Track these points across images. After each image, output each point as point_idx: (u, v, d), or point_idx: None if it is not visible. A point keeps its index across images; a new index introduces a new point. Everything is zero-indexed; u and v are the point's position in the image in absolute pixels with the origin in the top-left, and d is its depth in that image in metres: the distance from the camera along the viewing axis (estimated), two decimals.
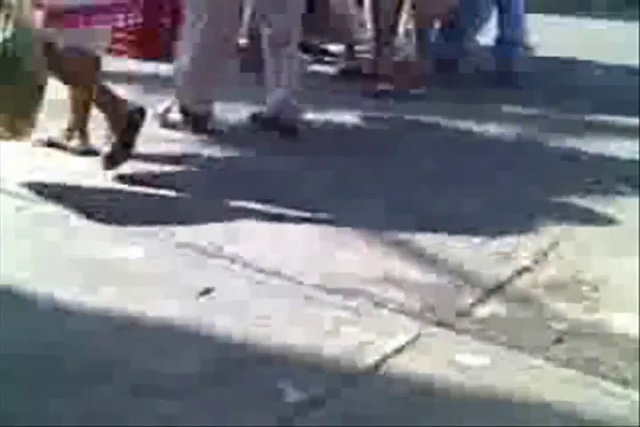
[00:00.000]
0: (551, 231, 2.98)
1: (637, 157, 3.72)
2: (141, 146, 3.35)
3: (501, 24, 5.10)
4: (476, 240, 2.89)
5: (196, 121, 3.80)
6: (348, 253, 2.78)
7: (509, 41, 5.05)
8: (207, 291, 2.46)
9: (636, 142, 3.88)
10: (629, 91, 4.83)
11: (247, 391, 2.04)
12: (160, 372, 2.09)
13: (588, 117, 4.38)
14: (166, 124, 3.82)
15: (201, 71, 3.76)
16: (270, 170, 3.45)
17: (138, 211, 3.01)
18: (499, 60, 5.08)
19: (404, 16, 5.08)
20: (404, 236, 2.91)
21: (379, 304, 2.46)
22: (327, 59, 5.48)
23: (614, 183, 3.43)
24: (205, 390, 2.03)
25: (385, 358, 2.19)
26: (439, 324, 2.38)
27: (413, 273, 2.66)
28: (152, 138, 3.55)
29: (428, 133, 4.08)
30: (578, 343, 2.32)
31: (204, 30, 3.68)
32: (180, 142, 3.72)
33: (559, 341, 2.33)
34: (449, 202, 3.20)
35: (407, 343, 2.26)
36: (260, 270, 2.62)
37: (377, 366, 2.17)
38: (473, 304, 2.49)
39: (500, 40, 5.12)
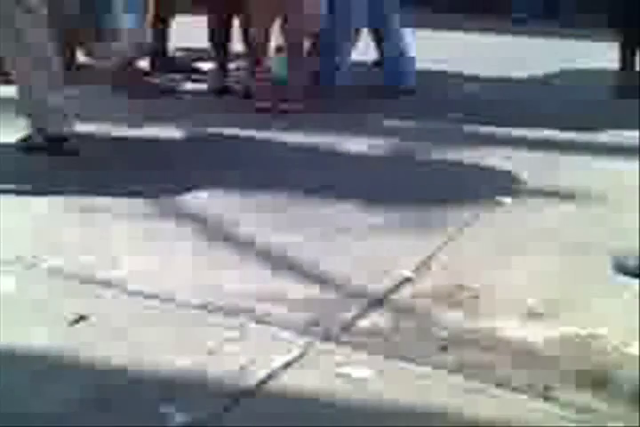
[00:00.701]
0: (432, 241, 2.99)
1: (512, 166, 3.79)
2: None
3: (379, 39, 5.16)
4: (358, 253, 2.89)
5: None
6: (229, 272, 2.74)
7: (389, 55, 5.10)
8: (82, 318, 2.39)
9: (516, 152, 3.96)
10: (507, 104, 4.95)
11: (130, 416, 1.98)
12: (39, 398, 2.01)
13: (467, 129, 4.43)
14: None
15: None
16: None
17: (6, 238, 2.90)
18: (377, 73, 5.13)
19: (275, 32, 5.09)
20: (283, 251, 2.88)
21: (262, 321, 2.43)
22: (198, 77, 5.44)
23: (493, 193, 3.47)
24: (87, 415, 1.96)
25: (270, 376, 2.15)
26: (324, 338, 2.35)
27: (296, 288, 2.63)
28: None
29: (295, 149, 4.06)
30: (463, 351, 2.33)
31: None
32: None
33: (444, 349, 2.34)
34: (328, 216, 3.19)
35: (292, 360, 2.23)
36: (138, 293, 2.56)
37: (262, 384, 2.13)
38: (356, 317, 2.47)
39: (382, 54, 5.19)
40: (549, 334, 2.42)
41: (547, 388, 2.17)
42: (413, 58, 5.11)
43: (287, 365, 2.21)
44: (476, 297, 2.61)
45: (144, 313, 2.47)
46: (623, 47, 4.99)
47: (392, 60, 5.09)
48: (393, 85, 5.06)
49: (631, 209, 3.07)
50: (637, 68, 5.09)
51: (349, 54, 5.11)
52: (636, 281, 2.70)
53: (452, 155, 3.97)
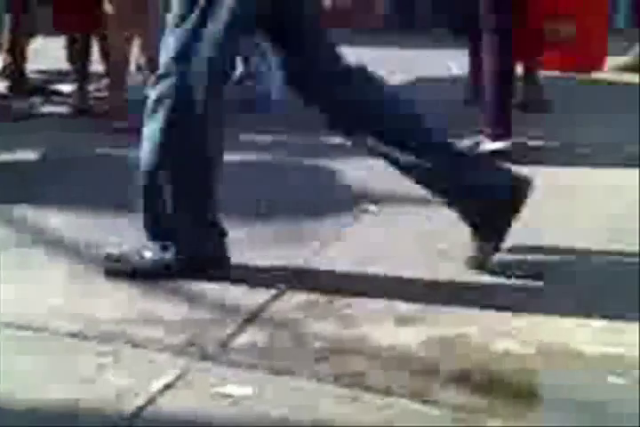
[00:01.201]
0: (303, 253, 3.01)
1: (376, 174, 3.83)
2: None
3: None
4: (235, 271, 2.87)
5: None
6: (102, 298, 2.69)
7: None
8: None
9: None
10: None
11: None
12: None
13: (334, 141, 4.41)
14: None
15: None
16: None
17: None
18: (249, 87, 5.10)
19: (135, 51, 5.04)
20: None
21: (137, 346, 2.39)
22: (58, 99, 5.33)
23: (359, 201, 3.52)
24: None
25: (149, 402, 2.12)
26: (201, 358, 2.34)
27: (170, 310, 2.61)
28: None
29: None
30: (340, 360, 2.35)
31: None
32: None
33: (321, 359, 2.36)
34: None
35: (170, 383, 2.21)
36: (9, 323, 2.49)
37: (140, 410, 2.09)
38: (232, 334, 2.46)
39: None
40: (422, 337, 2.47)
41: (424, 390, 2.22)
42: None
43: (165, 388, 2.18)
44: (349, 306, 2.64)
45: (16, 343, 2.40)
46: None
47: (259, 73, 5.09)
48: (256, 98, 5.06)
49: None
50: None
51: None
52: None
53: (319, 165, 4.01)
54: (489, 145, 4.05)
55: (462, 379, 2.28)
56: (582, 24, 4.31)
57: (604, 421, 2.10)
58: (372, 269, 2.90)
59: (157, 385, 2.19)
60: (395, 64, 5.60)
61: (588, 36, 4.38)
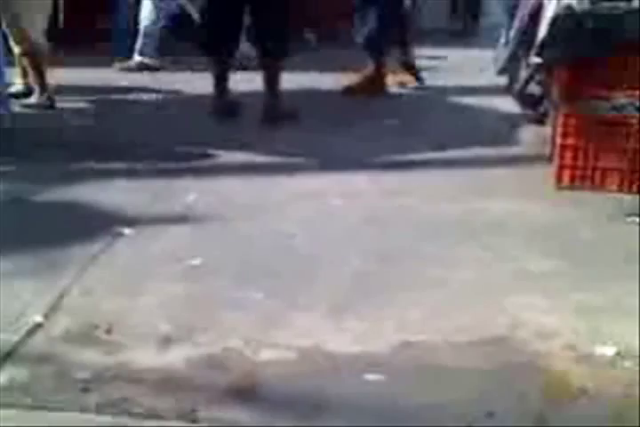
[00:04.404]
0: (60, 282, 2.94)
1: (128, 197, 3.81)
2: None
3: None
4: None
5: None
6: None
7: None
8: None
9: (132, 182, 3.96)
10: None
11: None
12: None
13: (76, 165, 4.33)
14: None
15: None
16: None
17: None
18: None
19: None
20: None
21: None
22: None
23: (112, 225, 3.46)
24: None
25: None
26: None
27: None
28: None
29: None
30: (106, 388, 2.33)
31: None
32: None
33: (86, 390, 2.32)
34: None
35: None
36: None
37: None
38: None
39: None
40: (186, 356, 2.49)
41: (193, 410, 2.24)
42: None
43: None
44: (110, 332, 2.62)
45: None
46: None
47: None
48: None
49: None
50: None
51: None
52: None
53: (68, 193, 3.90)
54: None
55: (230, 394, 2.33)
56: None
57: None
58: (131, 292, 2.88)
59: None
60: None
61: None
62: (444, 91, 5.63)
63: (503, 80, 4.93)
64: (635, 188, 3.84)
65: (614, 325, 2.68)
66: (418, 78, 5.79)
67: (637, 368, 2.46)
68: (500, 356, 2.51)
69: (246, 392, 2.35)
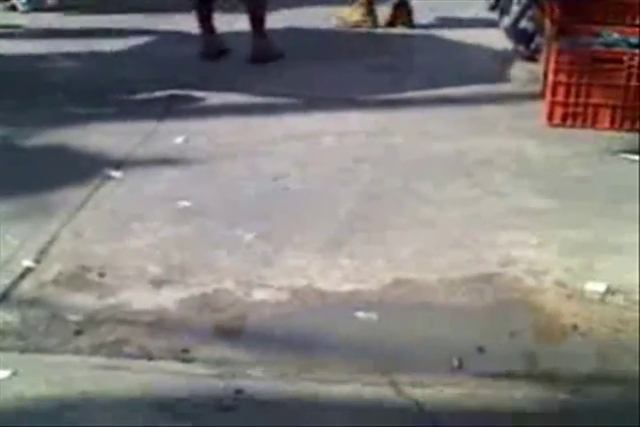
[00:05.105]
0: (50, 226, 2.94)
1: (115, 140, 3.77)
2: None
3: None
4: None
5: None
6: None
7: None
8: None
9: (118, 126, 3.92)
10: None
11: None
12: None
13: (63, 110, 4.28)
14: None
15: None
16: None
17: None
18: None
19: None
20: None
21: None
22: None
23: (102, 168, 3.44)
24: None
25: None
26: None
27: None
28: None
29: None
30: (98, 331, 2.34)
31: None
32: None
33: (79, 333, 2.33)
34: None
35: None
36: None
37: None
38: None
39: None
40: (178, 297, 2.50)
41: (186, 350, 2.26)
42: None
43: None
44: (103, 275, 2.62)
45: None
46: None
47: None
48: None
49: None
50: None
51: None
52: None
53: (57, 137, 3.86)
54: None
55: (222, 334, 2.35)
56: None
57: None
58: (122, 235, 2.88)
59: None
60: None
61: None
62: (434, 27, 5.55)
63: (494, 15, 4.88)
64: (626, 124, 3.81)
65: (604, 261, 2.69)
66: (409, 15, 5.70)
67: (627, 304, 2.48)
68: (492, 293, 2.53)
69: (238, 332, 2.37)
